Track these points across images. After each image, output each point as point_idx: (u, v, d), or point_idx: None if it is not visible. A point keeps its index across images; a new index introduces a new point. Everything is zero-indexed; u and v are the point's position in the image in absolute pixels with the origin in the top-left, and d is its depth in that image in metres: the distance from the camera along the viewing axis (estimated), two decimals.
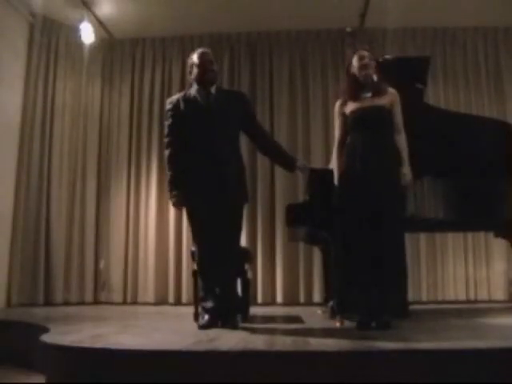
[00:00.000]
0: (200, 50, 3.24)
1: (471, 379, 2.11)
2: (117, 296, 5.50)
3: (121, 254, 5.60)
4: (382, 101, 3.06)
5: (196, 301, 3.48)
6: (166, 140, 3.22)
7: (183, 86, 5.40)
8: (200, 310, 3.23)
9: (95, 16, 5.45)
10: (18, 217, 5.15)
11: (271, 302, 5.35)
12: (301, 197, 5.03)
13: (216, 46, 5.36)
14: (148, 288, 5.48)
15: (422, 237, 5.36)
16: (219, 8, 5.32)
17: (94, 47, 5.72)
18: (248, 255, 3.90)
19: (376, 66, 3.13)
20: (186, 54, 4.21)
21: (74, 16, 5.34)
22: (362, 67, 3.08)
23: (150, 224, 5.62)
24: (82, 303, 5.35)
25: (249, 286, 3.79)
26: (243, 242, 4.39)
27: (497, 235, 4.45)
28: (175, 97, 3.28)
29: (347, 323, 3.11)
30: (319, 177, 3.49)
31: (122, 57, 6.01)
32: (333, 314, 3.37)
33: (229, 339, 2.56)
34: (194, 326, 3.11)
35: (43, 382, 2.53)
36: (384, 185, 2.95)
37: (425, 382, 2.13)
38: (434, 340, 2.48)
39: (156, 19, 5.57)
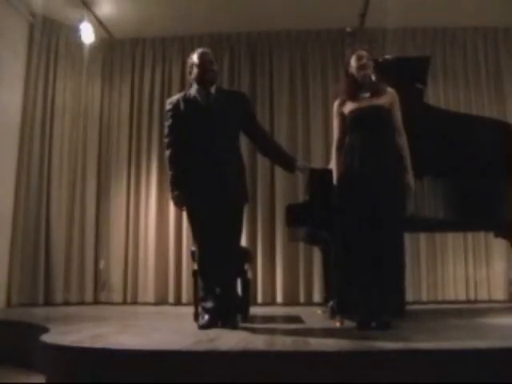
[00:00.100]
0: (200, 50, 3.24)
1: (471, 379, 2.11)
2: (117, 296, 5.50)
3: (121, 254, 5.60)
4: (381, 101, 3.06)
5: (196, 301, 3.48)
6: (166, 140, 3.23)
7: (183, 86, 5.40)
8: (200, 310, 3.23)
9: (95, 16, 5.45)
10: (18, 217, 5.15)
11: (271, 302, 5.35)
12: (301, 197, 5.03)
13: (216, 46, 5.36)
14: (148, 288, 5.48)
15: (422, 237, 5.36)
16: (219, 8, 5.32)
17: (94, 47, 5.72)
18: (248, 255, 3.90)
19: (374, 66, 3.13)
20: (186, 54, 4.21)
21: (74, 16, 5.34)
22: (361, 67, 3.07)
23: (150, 224, 5.62)
24: (81, 303, 5.35)
25: (249, 286, 3.79)
26: (243, 242, 4.39)
27: (497, 235, 4.45)
28: (175, 97, 3.28)
29: (347, 323, 3.11)
30: (319, 177, 3.49)
31: (122, 57, 6.01)
32: (333, 314, 3.37)
33: (229, 339, 2.56)
34: (194, 326, 3.11)
35: (43, 382, 2.53)
36: (383, 185, 2.95)
37: (425, 381, 2.13)
38: (434, 340, 2.48)
39: (156, 19, 5.57)
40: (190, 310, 3.63)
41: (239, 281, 3.55)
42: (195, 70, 3.19)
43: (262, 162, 5.46)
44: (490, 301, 5.22)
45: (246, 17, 5.54)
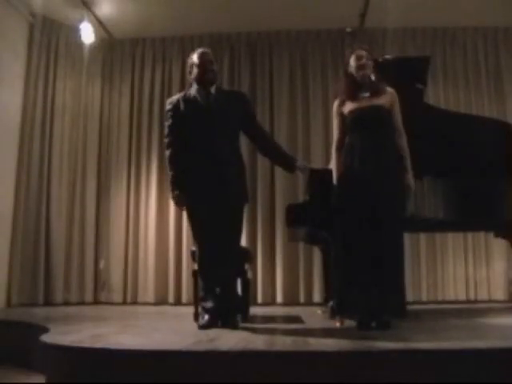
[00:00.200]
0: (200, 50, 3.24)
1: (471, 379, 2.11)
2: (117, 296, 5.50)
3: (121, 254, 5.60)
4: (381, 100, 3.06)
5: (196, 301, 3.48)
6: (166, 140, 3.23)
7: (183, 85, 5.40)
8: (200, 310, 3.23)
9: (95, 16, 5.45)
10: (18, 217, 5.15)
11: (271, 302, 5.35)
12: (301, 197, 5.03)
13: (216, 46, 5.36)
14: (148, 288, 5.48)
15: (422, 237, 5.36)
16: (219, 8, 5.32)
17: (94, 47, 5.72)
18: (248, 255, 3.90)
19: (374, 66, 3.12)
20: (186, 54, 4.21)
21: (74, 16, 5.34)
22: (360, 67, 3.07)
23: (150, 224, 5.62)
24: (82, 303, 5.35)
25: (249, 286, 3.79)
26: (243, 242, 4.39)
27: (497, 235, 4.45)
28: (175, 97, 3.28)
29: (347, 323, 3.11)
30: (319, 177, 3.49)
31: (122, 57, 6.01)
32: (333, 314, 3.37)
33: (229, 339, 2.56)
34: (194, 325, 3.11)
35: (43, 382, 2.53)
36: (383, 185, 2.95)
37: (425, 381, 2.13)
38: (434, 340, 2.48)
39: (156, 19, 5.57)
40: (190, 310, 3.63)
41: (239, 281, 3.55)
42: (195, 70, 3.19)
43: (262, 162, 5.46)
44: (489, 301, 5.22)
45: (246, 17, 5.54)
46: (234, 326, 2.98)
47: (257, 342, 2.52)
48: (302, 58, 5.83)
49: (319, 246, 4.46)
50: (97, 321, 3.69)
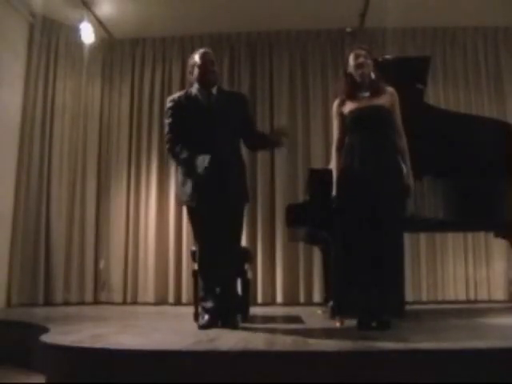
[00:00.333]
0: (202, 50, 3.23)
1: (471, 379, 2.11)
2: (117, 296, 5.49)
3: (121, 254, 5.60)
4: (381, 100, 3.05)
5: (196, 301, 3.48)
6: (166, 137, 3.19)
7: (183, 86, 5.38)
8: (200, 310, 3.23)
9: (95, 16, 5.44)
10: (18, 217, 5.15)
11: (271, 302, 5.35)
12: (301, 197, 5.02)
13: (216, 46, 5.34)
14: (148, 288, 5.48)
15: (422, 237, 5.36)
16: (219, 8, 5.32)
17: (94, 47, 5.72)
18: (248, 255, 3.90)
19: (374, 65, 3.12)
20: (186, 54, 4.23)
21: (74, 16, 5.34)
22: (358, 66, 3.06)
23: (150, 224, 5.62)
24: (82, 303, 5.35)
25: (249, 286, 3.79)
26: (243, 242, 4.39)
27: (497, 235, 4.45)
28: (176, 95, 3.28)
29: (347, 323, 3.10)
30: (319, 177, 3.49)
31: (122, 57, 6.00)
32: (333, 314, 3.37)
33: (229, 339, 2.56)
34: (194, 325, 3.11)
35: (43, 382, 2.53)
36: (383, 185, 2.95)
37: (425, 381, 2.13)
38: (434, 340, 2.48)
39: (156, 19, 5.57)
40: (190, 310, 3.63)
41: (239, 281, 3.55)
42: (196, 71, 3.18)
43: (262, 162, 5.46)
44: (489, 301, 5.22)
45: (246, 17, 5.54)
46: (234, 326, 2.98)
47: (257, 341, 2.52)
48: (301, 58, 5.83)
49: (319, 246, 4.47)
50: (97, 321, 3.69)
